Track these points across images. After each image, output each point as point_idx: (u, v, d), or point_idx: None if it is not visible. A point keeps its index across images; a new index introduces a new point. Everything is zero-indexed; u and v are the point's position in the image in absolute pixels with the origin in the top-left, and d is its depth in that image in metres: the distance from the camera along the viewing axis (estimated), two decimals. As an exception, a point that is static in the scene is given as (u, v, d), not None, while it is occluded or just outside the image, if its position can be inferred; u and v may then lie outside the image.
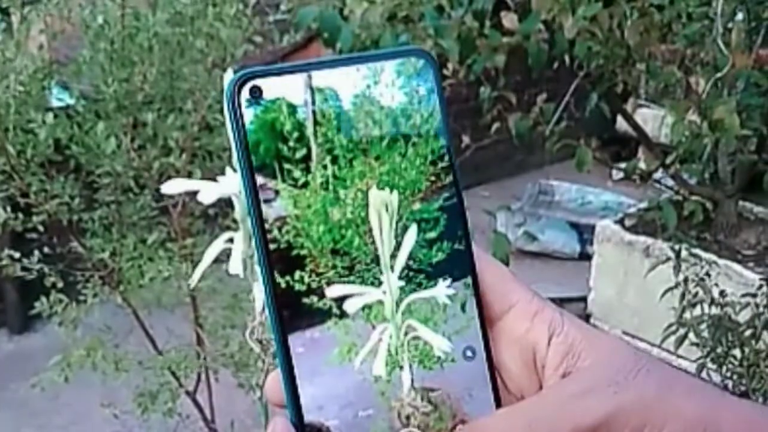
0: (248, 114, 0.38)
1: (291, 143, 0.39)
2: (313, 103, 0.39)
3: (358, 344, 0.39)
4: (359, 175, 0.40)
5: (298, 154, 0.39)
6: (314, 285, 0.39)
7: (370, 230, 0.39)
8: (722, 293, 1.91)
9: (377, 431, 0.40)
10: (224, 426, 2.12)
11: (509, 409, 0.40)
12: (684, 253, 2.02)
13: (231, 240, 0.53)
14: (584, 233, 3.98)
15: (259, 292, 0.54)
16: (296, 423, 0.39)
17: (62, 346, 1.88)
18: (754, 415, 0.40)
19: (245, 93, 0.38)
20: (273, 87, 0.39)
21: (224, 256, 0.51)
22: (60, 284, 1.82)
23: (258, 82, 0.39)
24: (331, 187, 0.39)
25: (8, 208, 1.72)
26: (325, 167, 0.39)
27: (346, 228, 0.40)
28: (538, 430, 0.38)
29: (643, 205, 3.10)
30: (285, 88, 0.39)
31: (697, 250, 2.11)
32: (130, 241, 1.84)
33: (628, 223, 3.08)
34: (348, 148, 0.40)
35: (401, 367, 0.39)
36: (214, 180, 0.49)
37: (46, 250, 1.86)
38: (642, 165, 3.11)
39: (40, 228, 1.77)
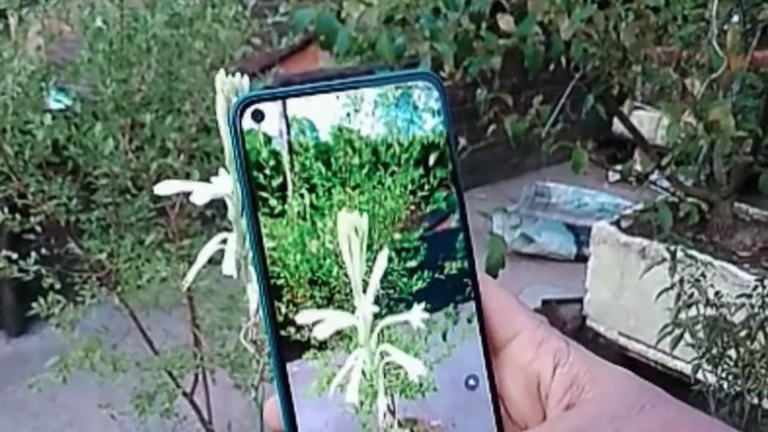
0: (250, 136, 0.38)
1: (267, 171, 0.38)
2: (288, 132, 0.39)
3: (338, 375, 0.39)
4: (338, 204, 0.39)
5: (274, 183, 0.38)
6: (291, 316, 0.38)
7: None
8: (717, 294, 1.92)
9: None
10: (221, 427, 2.13)
11: None
12: (680, 254, 2.03)
13: (225, 241, 0.53)
14: (580, 235, 4.00)
15: (252, 293, 0.55)
16: None
17: (59, 348, 1.88)
18: None
19: (247, 116, 0.38)
20: (274, 110, 0.38)
21: (221, 257, 0.51)
22: (57, 285, 1.82)
23: (261, 106, 0.38)
24: (308, 216, 0.39)
25: (6, 209, 1.73)
26: (302, 196, 0.38)
27: (324, 258, 0.39)
28: None
29: (639, 206, 3.11)
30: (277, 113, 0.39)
31: (692, 251, 2.12)
32: (127, 242, 1.85)
33: (624, 224, 3.08)
34: (326, 177, 0.39)
35: (386, 394, 0.39)
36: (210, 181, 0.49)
37: (43, 251, 1.86)
38: (638, 167, 3.12)
39: (38, 229, 1.77)
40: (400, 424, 0.39)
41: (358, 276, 0.39)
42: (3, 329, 3.35)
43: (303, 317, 0.38)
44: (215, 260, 0.53)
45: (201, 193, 0.43)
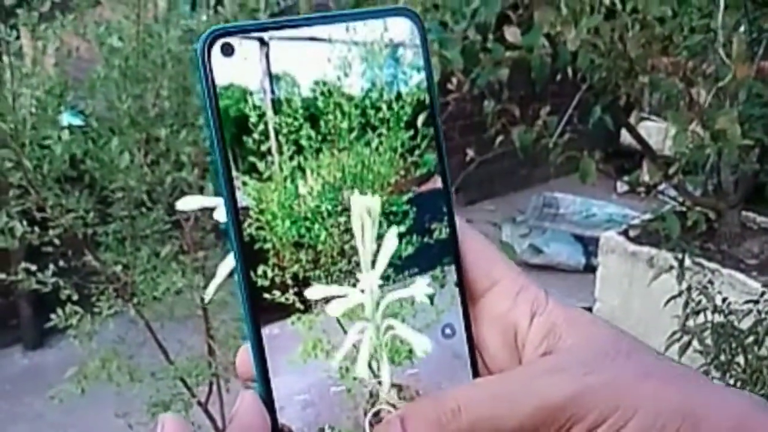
0: (219, 73, 0.37)
1: (255, 135, 0.37)
2: (273, 91, 0.37)
3: (324, 340, 0.38)
4: (325, 167, 0.38)
5: (263, 147, 0.37)
6: (278, 279, 0.38)
7: (337, 223, 0.38)
8: (725, 301, 1.94)
9: (342, 430, 0.38)
10: (235, 436, 2.15)
11: (477, 381, 0.40)
12: (687, 262, 2.05)
13: (235, 269, 0.54)
14: (589, 245, 4.01)
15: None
16: (266, 399, 0.37)
17: (76, 360, 1.91)
18: (741, 405, 0.38)
19: (216, 51, 0.36)
20: (244, 47, 0.37)
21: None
22: (75, 297, 1.85)
23: (230, 39, 0.37)
24: (296, 179, 0.38)
25: (25, 222, 1.76)
26: (291, 159, 0.38)
27: (312, 221, 0.38)
28: (501, 404, 0.37)
29: (647, 216, 3.13)
30: (248, 62, 0.37)
31: (700, 259, 2.14)
32: (143, 254, 1.88)
33: (632, 233, 3.10)
34: (314, 140, 0.38)
35: (378, 366, 0.39)
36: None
37: (60, 263, 1.90)
38: (646, 177, 3.14)
39: (56, 242, 1.81)
40: (386, 391, 0.39)
41: (369, 255, 0.39)
42: (20, 342, 3.39)
43: (312, 293, 0.38)
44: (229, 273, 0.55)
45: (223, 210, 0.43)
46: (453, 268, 0.40)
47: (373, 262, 0.39)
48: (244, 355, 0.39)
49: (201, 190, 1.88)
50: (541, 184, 4.83)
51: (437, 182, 0.40)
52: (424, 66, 0.40)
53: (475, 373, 0.41)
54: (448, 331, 0.40)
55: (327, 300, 0.38)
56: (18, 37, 1.82)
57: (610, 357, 0.38)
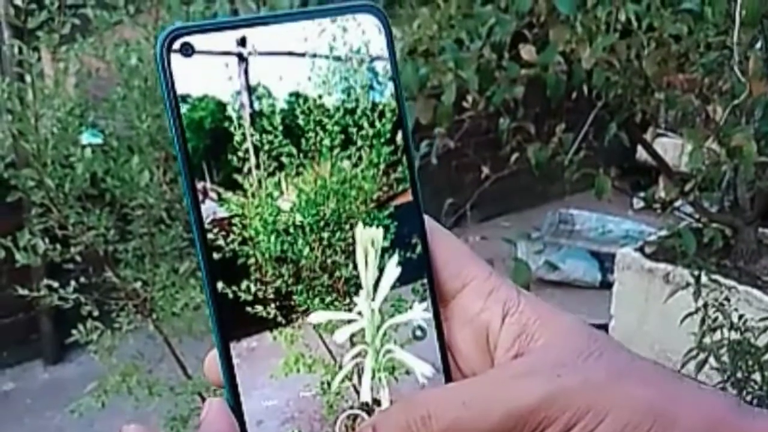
0: (179, 72, 0.36)
1: (237, 150, 0.37)
2: (251, 105, 0.37)
3: (306, 354, 0.38)
4: (306, 183, 0.39)
5: (244, 163, 0.37)
6: (260, 294, 0.38)
7: (318, 238, 0.39)
8: (742, 318, 1.93)
9: None
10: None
11: (447, 387, 0.39)
12: (704, 279, 2.05)
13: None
14: (605, 262, 4.00)
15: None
16: (233, 405, 0.38)
17: (96, 375, 1.93)
18: (715, 405, 0.37)
19: (176, 52, 0.36)
20: (206, 44, 0.36)
21: None
22: (95, 313, 1.88)
23: (189, 38, 0.36)
24: (278, 195, 0.38)
25: (47, 240, 1.79)
26: (272, 174, 0.38)
27: (294, 236, 0.39)
28: (471, 409, 0.36)
29: (663, 232, 3.13)
30: (224, 75, 0.37)
31: (716, 276, 2.13)
32: (162, 270, 1.90)
33: (648, 250, 3.10)
34: (294, 156, 0.38)
35: (359, 384, 0.39)
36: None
37: (81, 280, 1.93)
38: (662, 194, 3.14)
39: (77, 259, 1.84)
40: (367, 405, 0.39)
41: (371, 283, 0.39)
42: (41, 357, 3.42)
43: (315, 317, 0.38)
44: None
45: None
46: (412, 288, 0.40)
47: (375, 288, 0.39)
48: (212, 362, 0.39)
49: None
50: (557, 201, 4.83)
51: (410, 194, 0.40)
52: (390, 61, 0.39)
53: (447, 376, 0.40)
54: (419, 333, 0.40)
55: (308, 318, 0.39)
56: (39, 59, 1.86)
57: (582, 357, 0.37)
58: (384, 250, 0.40)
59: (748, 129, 2.56)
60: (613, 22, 2.57)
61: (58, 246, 1.81)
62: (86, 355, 1.95)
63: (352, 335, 0.39)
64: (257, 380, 0.38)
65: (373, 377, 0.39)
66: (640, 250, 3.12)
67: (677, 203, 3.09)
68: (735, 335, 1.92)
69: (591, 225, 4.46)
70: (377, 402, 0.39)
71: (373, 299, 0.39)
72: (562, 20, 2.53)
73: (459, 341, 0.41)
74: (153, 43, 1.87)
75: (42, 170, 1.74)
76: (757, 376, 1.88)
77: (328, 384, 0.39)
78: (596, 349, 0.38)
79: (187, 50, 0.36)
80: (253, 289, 0.38)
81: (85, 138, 2.06)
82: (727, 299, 2.01)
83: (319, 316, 0.39)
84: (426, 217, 0.41)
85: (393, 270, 0.39)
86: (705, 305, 1.98)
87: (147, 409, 1.91)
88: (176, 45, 0.36)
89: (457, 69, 2.55)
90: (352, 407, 0.39)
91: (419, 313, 0.40)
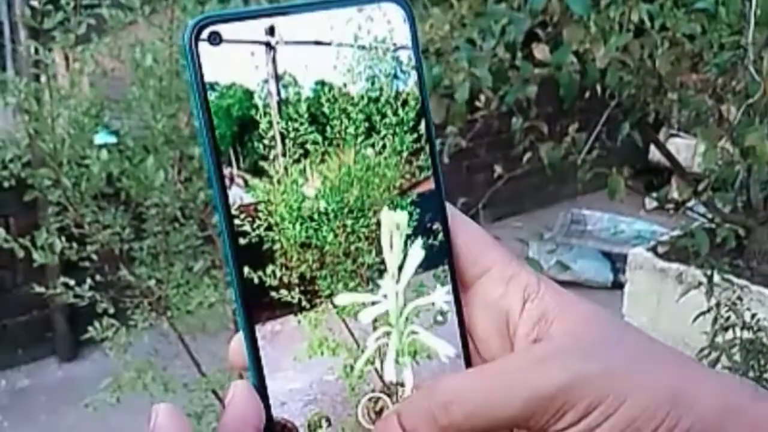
0: (207, 61, 0.37)
1: (263, 138, 0.38)
2: (279, 94, 0.38)
3: (329, 338, 0.39)
4: (330, 170, 0.39)
5: (270, 150, 0.38)
6: (285, 279, 0.38)
7: (342, 225, 0.39)
8: (754, 317, 1.94)
9: (345, 427, 0.39)
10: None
11: (469, 373, 0.40)
12: (716, 279, 2.05)
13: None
14: (616, 262, 4.00)
15: None
16: (258, 386, 0.38)
17: (110, 372, 1.95)
18: (732, 390, 0.38)
19: (204, 41, 0.37)
20: (234, 33, 0.37)
21: None
22: (111, 311, 1.90)
23: (217, 27, 0.37)
24: (303, 181, 0.39)
25: (63, 238, 1.81)
26: (298, 161, 0.38)
27: (319, 223, 0.39)
28: (494, 395, 0.37)
29: (676, 232, 3.12)
30: (252, 63, 0.37)
31: (729, 276, 2.13)
32: (176, 269, 1.92)
33: (660, 250, 3.10)
34: (319, 143, 0.39)
35: (382, 366, 0.40)
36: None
37: (97, 278, 1.95)
38: (675, 194, 3.14)
39: (93, 257, 1.86)
40: (388, 389, 0.40)
41: (396, 265, 0.40)
42: (55, 355, 3.45)
43: (340, 300, 0.39)
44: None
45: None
46: (433, 274, 0.41)
47: (399, 271, 0.40)
48: (237, 344, 0.39)
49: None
50: (569, 201, 4.83)
51: (432, 182, 0.41)
52: (413, 50, 0.40)
53: (467, 360, 0.41)
54: (439, 318, 0.41)
55: (333, 300, 0.39)
56: (54, 60, 1.88)
57: (602, 343, 0.38)
58: (408, 237, 0.40)
59: (762, 129, 2.55)
60: (626, 22, 2.57)
61: (75, 244, 1.82)
62: (100, 352, 1.97)
63: (376, 318, 0.40)
64: (281, 363, 0.39)
65: (396, 359, 0.40)
66: (653, 249, 3.12)
67: (690, 203, 3.09)
68: (747, 334, 1.92)
69: (603, 225, 4.46)
70: (400, 384, 0.40)
71: (397, 281, 0.40)
72: (576, 20, 2.53)
73: (479, 326, 0.41)
74: (168, 40, 1.89)
75: (58, 170, 1.76)
76: (769, 376, 1.88)
77: (351, 367, 0.40)
78: (616, 336, 0.39)
79: (215, 39, 0.37)
80: (278, 273, 0.38)
81: (99, 138, 2.08)
82: (740, 298, 2.01)
83: (344, 298, 0.39)
84: (447, 204, 0.42)
85: (418, 253, 0.40)
86: (717, 304, 1.98)
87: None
88: (204, 34, 0.36)
89: (470, 67, 2.55)
90: (373, 390, 0.40)
91: (441, 296, 0.40)
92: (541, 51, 2.68)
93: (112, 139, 2.11)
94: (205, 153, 0.37)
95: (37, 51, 1.76)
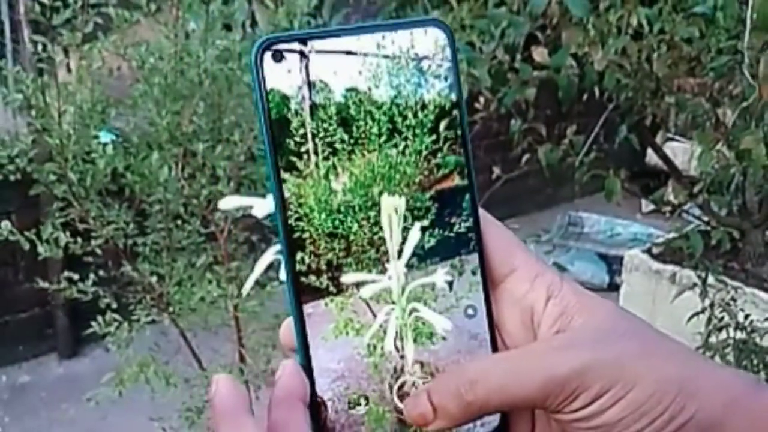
0: (270, 78, 0.41)
1: (296, 137, 0.42)
2: (311, 98, 0.42)
3: (354, 320, 0.43)
4: (356, 167, 0.43)
5: (302, 148, 0.42)
6: (314, 265, 0.42)
7: (367, 217, 0.43)
8: (747, 318, 1.96)
9: (370, 402, 0.43)
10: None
11: (494, 356, 0.45)
12: (711, 280, 2.08)
13: (281, 251, 0.59)
14: (613, 264, 4.03)
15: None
16: (304, 365, 0.42)
17: (111, 369, 1.96)
18: (734, 381, 0.42)
19: (268, 57, 0.41)
20: (289, 57, 0.42)
21: (266, 280, 0.57)
22: (113, 306, 1.91)
23: (281, 46, 0.41)
24: (331, 177, 0.43)
25: (68, 233, 1.83)
26: (326, 159, 0.42)
27: (344, 215, 0.43)
28: (514, 376, 0.41)
29: (671, 235, 3.15)
30: (289, 71, 0.42)
31: (723, 277, 2.16)
32: (179, 264, 1.94)
33: (655, 251, 3.13)
34: (347, 142, 0.43)
35: (403, 345, 0.44)
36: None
37: (100, 273, 1.96)
38: (671, 197, 3.16)
39: (96, 252, 1.87)
40: (409, 366, 0.44)
41: (396, 246, 0.44)
42: (56, 351, 3.47)
43: (347, 278, 0.43)
44: (260, 283, 0.59)
45: (261, 208, 0.46)
46: (471, 257, 0.45)
47: (400, 253, 0.44)
48: (287, 328, 0.44)
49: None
50: (566, 203, 4.85)
51: (457, 180, 0.45)
52: (453, 71, 0.44)
53: (495, 349, 0.45)
54: (470, 311, 0.45)
55: (359, 285, 0.43)
56: (61, 56, 1.90)
57: (616, 336, 0.42)
58: (424, 229, 0.44)
59: (758, 132, 2.58)
60: (625, 26, 2.60)
61: (79, 239, 1.84)
62: (100, 349, 1.99)
63: (383, 297, 0.44)
64: (312, 342, 0.43)
65: (401, 332, 0.44)
66: (648, 251, 3.15)
67: (686, 206, 3.11)
68: (741, 335, 1.95)
69: (600, 228, 4.48)
70: (420, 363, 0.44)
71: (398, 260, 0.43)
72: (575, 23, 2.55)
73: (506, 320, 0.46)
74: (173, 38, 1.91)
75: (64, 165, 1.78)
76: (762, 375, 1.90)
77: (374, 346, 0.43)
78: (628, 329, 0.43)
79: (278, 57, 0.41)
80: (307, 260, 0.42)
81: (102, 137, 2.09)
82: (734, 299, 2.03)
83: (350, 277, 0.43)
84: (481, 210, 0.46)
85: (416, 234, 0.44)
86: (711, 305, 2.01)
87: (161, 401, 1.95)
88: (269, 52, 0.41)
89: (470, 69, 2.58)
90: (395, 368, 0.43)
91: (441, 275, 0.44)
92: (540, 54, 2.70)
93: (113, 138, 2.12)
94: (265, 151, 0.42)
95: (45, 47, 1.78)
